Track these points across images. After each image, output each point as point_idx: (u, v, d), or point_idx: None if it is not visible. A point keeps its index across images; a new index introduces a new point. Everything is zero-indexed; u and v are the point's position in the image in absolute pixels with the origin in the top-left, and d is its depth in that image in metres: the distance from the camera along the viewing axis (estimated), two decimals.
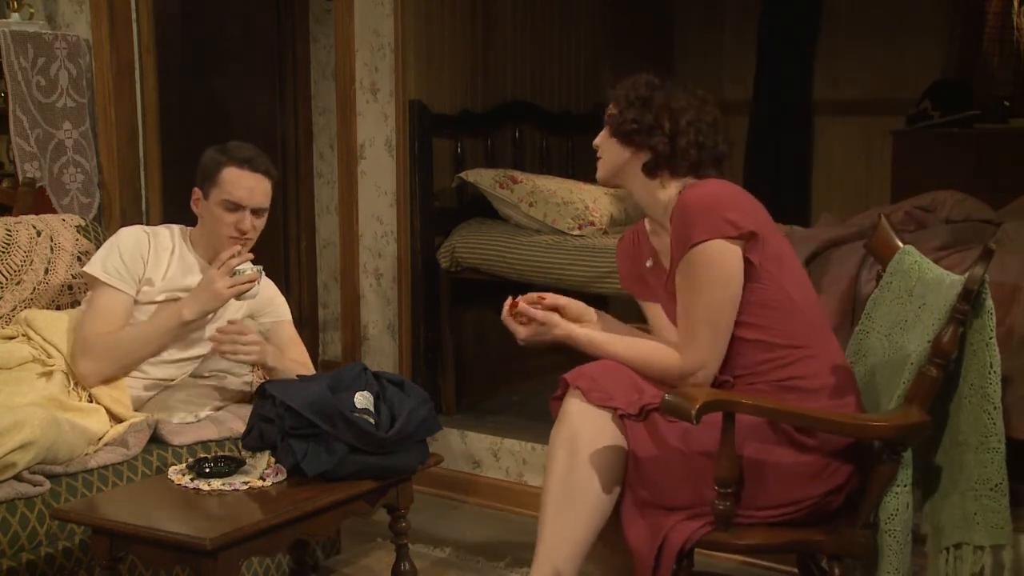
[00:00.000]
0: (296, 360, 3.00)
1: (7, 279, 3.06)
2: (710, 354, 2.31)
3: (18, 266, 3.08)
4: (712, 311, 2.29)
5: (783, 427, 2.24)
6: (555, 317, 2.41)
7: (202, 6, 5.33)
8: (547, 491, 2.31)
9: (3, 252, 3.06)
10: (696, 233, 2.26)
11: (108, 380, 2.86)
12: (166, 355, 2.93)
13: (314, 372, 3.01)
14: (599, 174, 2.55)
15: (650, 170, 2.42)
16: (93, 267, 2.91)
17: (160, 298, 2.94)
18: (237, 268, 2.83)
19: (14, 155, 4.32)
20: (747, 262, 2.28)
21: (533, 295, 2.47)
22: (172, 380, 2.99)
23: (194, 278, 2.95)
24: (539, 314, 2.40)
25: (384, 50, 4.14)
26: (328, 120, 5.15)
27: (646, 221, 2.58)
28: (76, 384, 2.86)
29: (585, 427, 2.27)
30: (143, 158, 4.68)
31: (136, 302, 2.93)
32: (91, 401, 2.84)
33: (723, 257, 2.26)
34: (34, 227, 3.19)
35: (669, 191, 2.42)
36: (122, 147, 4.60)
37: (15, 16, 4.51)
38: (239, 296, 2.87)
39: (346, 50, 4.20)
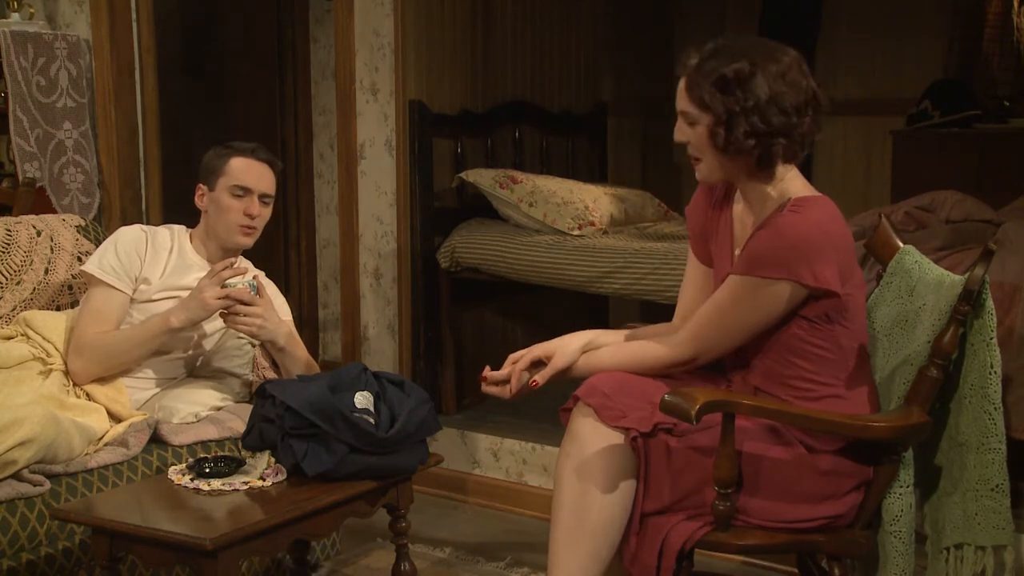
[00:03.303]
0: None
1: (7, 279, 3.06)
2: (713, 352, 2.30)
3: (18, 266, 3.08)
4: (736, 328, 2.25)
5: (796, 445, 2.23)
6: (524, 376, 2.41)
7: (202, 6, 5.34)
8: (557, 519, 2.26)
9: (3, 252, 3.06)
10: (772, 268, 2.16)
11: (98, 379, 2.87)
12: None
13: (318, 370, 3.02)
14: (700, 176, 2.31)
15: (760, 169, 2.23)
16: (90, 265, 2.93)
17: (157, 297, 2.94)
18: (229, 281, 2.82)
19: (14, 155, 4.32)
20: (809, 303, 2.20)
21: (504, 372, 2.43)
22: (173, 378, 2.99)
23: (193, 278, 2.95)
24: (503, 374, 2.42)
25: (384, 50, 4.13)
26: (328, 120, 5.15)
27: (737, 193, 2.37)
28: (74, 383, 2.86)
29: (595, 452, 2.23)
30: (143, 158, 4.68)
31: (133, 300, 2.94)
32: (89, 399, 2.85)
33: (776, 298, 2.18)
34: (34, 227, 3.19)
35: (776, 184, 2.25)
36: (122, 147, 4.60)
37: (15, 16, 4.51)
38: (226, 308, 2.85)
39: (346, 50, 4.20)
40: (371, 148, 4.22)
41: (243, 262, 3.03)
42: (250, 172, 2.97)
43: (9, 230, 3.13)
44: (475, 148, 4.47)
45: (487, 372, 2.46)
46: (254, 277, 2.90)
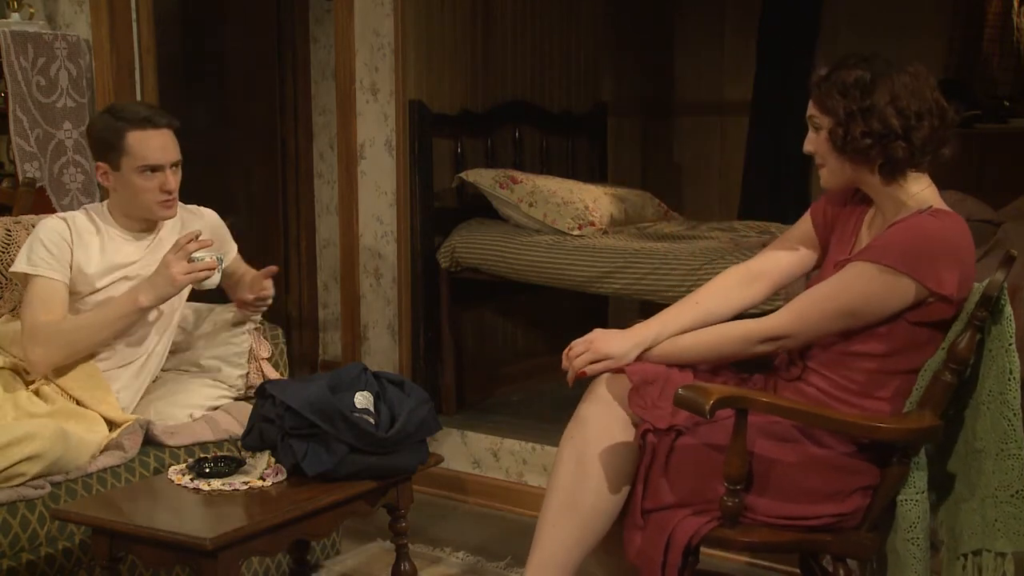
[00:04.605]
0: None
1: (7, 279, 3.06)
2: (806, 335, 2.27)
3: None
4: (842, 314, 2.23)
5: (805, 442, 2.23)
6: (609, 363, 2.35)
7: (202, 6, 5.34)
8: (550, 499, 2.30)
9: (3, 252, 3.06)
10: (901, 261, 2.15)
11: (59, 365, 2.78)
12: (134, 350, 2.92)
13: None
14: (824, 181, 2.34)
15: (888, 175, 2.24)
16: (19, 264, 2.82)
17: (103, 283, 2.86)
18: (195, 255, 2.77)
19: (14, 155, 4.32)
20: (919, 308, 2.19)
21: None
22: (164, 370, 2.99)
23: (127, 252, 2.89)
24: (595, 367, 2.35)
25: (384, 50, 4.13)
26: (328, 120, 5.15)
27: (873, 207, 2.36)
28: (63, 391, 2.82)
29: (599, 444, 2.25)
30: None
31: (79, 294, 2.84)
32: (78, 404, 2.82)
33: (895, 293, 2.17)
34: (34, 227, 3.18)
35: (908, 188, 2.26)
36: None
37: (15, 16, 4.51)
38: (197, 284, 2.82)
39: (346, 50, 4.20)
40: (371, 148, 4.22)
41: (198, 214, 3.03)
42: (154, 147, 2.81)
43: (9, 230, 3.12)
44: (475, 148, 4.47)
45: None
46: (219, 259, 2.85)
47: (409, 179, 4.15)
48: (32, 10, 4.61)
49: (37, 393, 2.79)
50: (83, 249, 2.85)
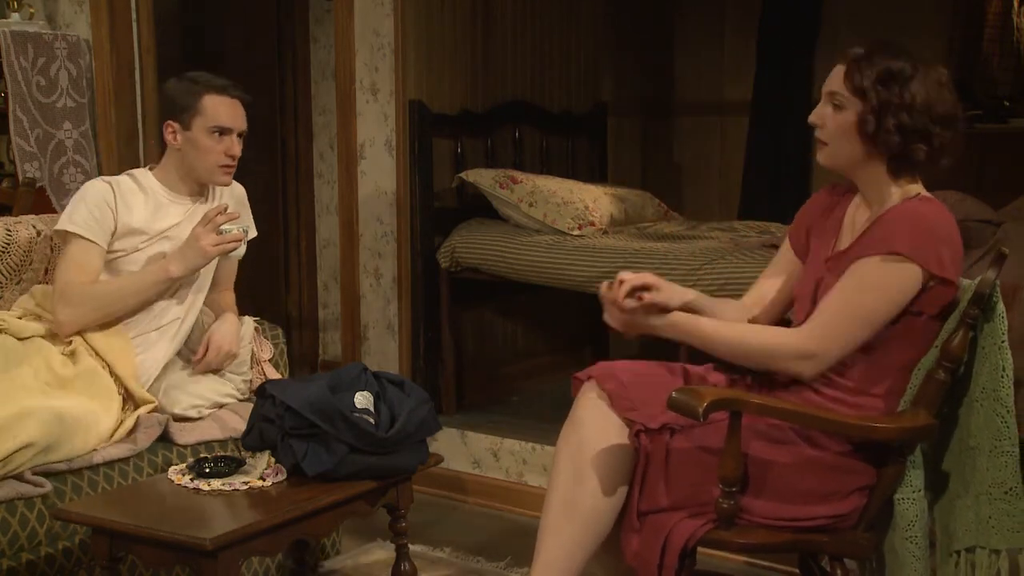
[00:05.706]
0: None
1: (7, 279, 3.06)
2: (834, 351, 2.20)
3: (18, 266, 3.07)
4: (864, 317, 2.19)
5: (801, 443, 2.23)
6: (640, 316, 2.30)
7: (202, 6, 5.34)
8: (550, 501, 2.30)
9: (3, 252, 3.06)
10: (906, 246, 2.14)
11: (86, 328, 2.82)
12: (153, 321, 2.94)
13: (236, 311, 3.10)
14: (823, 159, 2.28)
15: (896, 170, 2.23)
16: (63, 223, 2.88)
17: (144, 246, 2.91)
18: (223, 227, 2.83)
19: (14, 155, 4.32)
20: (921, 296, 2.18)
21: (629, 288, 2.28)
22: (182, 327, 2.99)
23: (172, 214, 2.94)
24: (631, 305, 2.29)
25: (384, 50, 4.14)
26: (328, 120, 5.15)
27: (858, 196, 2.35)
28: (91, 348, 2.83)
29: (595, 445, 2.25)
30: (143, 158, 4.67)
31: (124, 252, 2.89)
32: (111, 373, 2.82)
33: (907, 281, 2.16)
34: (34, 227, 3.19)
35: (903, 187, 2.25)
36: (122, 147, 4.60)
37: (15, 16, 4.51)
38: (223, 255, 2.90)
39: (346, 50, 4.20)
40: (371, 148, 4.22)
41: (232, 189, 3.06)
42: (228, 111, 2.92)
43: (9, 230, 3.12)
44: (475, 148, 4.47)
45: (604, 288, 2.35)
46: (245, 231, 2.92)
47: (409, 179, 4.15)
48: (32, 10, 4.61)
49: (73, 354, 2.81)
50: (127, 209, 2.91)
